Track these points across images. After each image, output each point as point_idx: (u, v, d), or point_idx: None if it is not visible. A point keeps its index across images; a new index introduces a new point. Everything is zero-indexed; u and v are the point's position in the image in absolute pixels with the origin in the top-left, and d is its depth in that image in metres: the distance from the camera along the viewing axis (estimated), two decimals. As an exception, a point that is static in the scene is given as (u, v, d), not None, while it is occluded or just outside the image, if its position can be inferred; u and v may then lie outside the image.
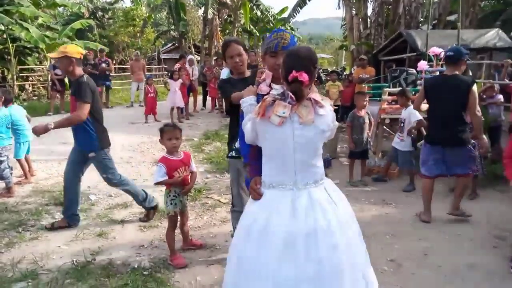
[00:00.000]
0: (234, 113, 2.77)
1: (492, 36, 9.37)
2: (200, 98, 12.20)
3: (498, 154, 5.27)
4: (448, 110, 3.74)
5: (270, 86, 2.21)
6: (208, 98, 11.91)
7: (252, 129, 1.96)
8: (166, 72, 20.77)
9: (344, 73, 14.66)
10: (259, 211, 1.90)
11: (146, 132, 8.36)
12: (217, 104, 11.35)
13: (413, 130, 5.06)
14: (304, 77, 1.77)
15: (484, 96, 5.85)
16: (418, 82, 6.50)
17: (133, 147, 7.00)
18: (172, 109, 9.53)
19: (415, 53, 9.17)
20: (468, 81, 3.70)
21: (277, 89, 1.89)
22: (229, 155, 2.91)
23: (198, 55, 21.39)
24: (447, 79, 3.77)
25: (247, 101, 2.19)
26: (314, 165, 1.91)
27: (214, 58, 12.64)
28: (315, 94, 1.88)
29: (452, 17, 14.39)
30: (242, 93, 2.26)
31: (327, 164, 5.46)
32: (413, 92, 6.10)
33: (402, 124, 5.13)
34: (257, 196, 1.96)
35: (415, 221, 4.03)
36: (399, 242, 3.54)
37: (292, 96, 1.80)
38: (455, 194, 4.09)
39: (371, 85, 8.05)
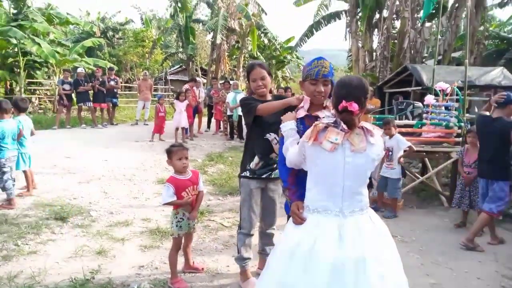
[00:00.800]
0: (256, 128, 2.75)
1: (497, 74, 9.50)
2: (205, 119, 12.25)
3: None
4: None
5: (307, 111, 2.27)
6: (213, 120, 11.98)
7: (299, 152, 1.96)
8: (173, 93, 21.03)
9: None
10: (303, 235, 1.87)
11: (150, 150, 8.34)
12: (221, 126, 11.38)
13: (401, 159, 5.14)
14: (354, 107, 1.78)
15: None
16: (424, 115, 6.54)
17: (136, 165, 6.96)
18: (177, 129, 9.55)
19: (420, 87, 9.26)
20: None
21: (329, 116, 1.91)
22: (242, 174, 2.87)
23: (204, 78, 21.66)
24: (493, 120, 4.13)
25: (288, 125, 2.20)
26: (361, 193, 1.91)
27: (221, 81, 12.76)
28: (366, 123, 1.90)
29: (456, 54, 14.66)
30: (283, 118, 2.28)
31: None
32: (420, 125, 6.13)
33: (390, 153, 5.18)
34: (300, 220, 1.94)
35: (422, 255, 3.94)
36: (407, 278, 3.44)
37: (345, 126, 1.82)
38: (474, 228, 4.16)
39: (376, 116, 8.08)
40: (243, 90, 13.08)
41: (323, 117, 1.91)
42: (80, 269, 3.18)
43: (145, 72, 14.17)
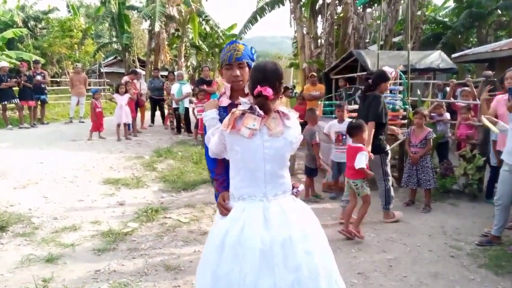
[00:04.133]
0: None
1: (435, 57, 10.24)
2: (148, 114, 12.01)
3: (447, 169, 5.78)
4: None
5: (230, 98, 2.32)
6: (157, 113, 11.85)
7: (219, 141, 2.03)
8: (108, 87, 20.23)
9: (295, 91, 15.19)
10: (230, 224, 1.95)
11: (90, 149, 8.04)
12: (169, 120, 11.20)
13: None
14: (268, 92, 1.89)
15: (433, 114, 6.38)
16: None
17: (78, 166, 6.70)
18: (118, 125, 9.27)
19: (366, 72, 9.76)
20: None
21: (246, 102, 1.98)
22: None
23: (143, 69, 21.04)
24: None
25: (210, 115, 2.26)
26: (283, 176, 2.01)
27: (166, 74, 12.57)
28: (282, 107, 2.00)
29: (396, 39, 15.58)
30: (205, 106, 2.33)
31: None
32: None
33: (343, 137, 5.43)
34: (226, 212, 2.02)
35: (378, 234, 4.26)
36: (364, 255, 3.73)
37: (261, 112, 1.91)
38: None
39: (326, 102, 8.44)
40: (188, 81, 12.95)
41: (241, 104, 1.99)
42: (30, 279, 3.07)
43: (77, 65, 13.52)
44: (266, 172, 1.94)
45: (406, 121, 6.11)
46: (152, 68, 16.40)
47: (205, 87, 9.26)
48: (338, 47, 14.02)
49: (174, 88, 10.15)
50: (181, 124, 10.59)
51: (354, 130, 4.24)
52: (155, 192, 5.64)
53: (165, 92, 11.14)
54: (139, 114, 10.99)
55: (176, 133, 10.49)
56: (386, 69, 6.60)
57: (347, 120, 5.41)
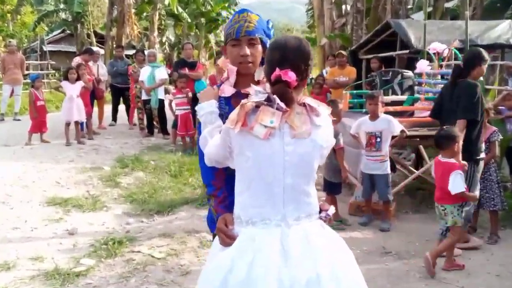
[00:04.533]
0: None
1: (504, 29, 10.27)
2: (108, 108, 12.05)
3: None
4: None
5: (235, 86, 2.33)
6: (120, 109, 11.88)
7: (222, 144, 2.02)
8: (54, 71, 20.33)
9: (311, 76, 15.23)
10: (236, 258, 1.92)
11: (29, 157, 8.06)
12: (136, 118, 11.22)
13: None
14: (291, 76, 1.88)
15: (501, 107, 6.38)
16: (417, 88, 6.96)
17: (11, 180, 6.71)
18: (68, 124, 9.30)
19: (408, 51, 9.80)
20: None
21: (260, 91, 1.98)
22: None
23: (101, 47, 21.14)
24: None
25: (205, 108, 2.26)
26: (308, 193, 2.01)
27: (133, 53, 12.60)
28: (309, 99, 2.00)
29: (449, 4, 15.64)
30: (199, 96, 2.34)
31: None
32: (411, 102, 6.53)
33: (378, 139, 5.43)
34: (228, 240, 2.00)
35: (425, 273, 4.26)
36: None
37: (282, 104, 1.89)
38: None
39: (354, 92, 8.46)
40: (163, 63, 13.00)
41: (254, 94, 1.98)
42: None
43: (10, 41, 13.58)
44: (286, 187, 1.93)
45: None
46: (114, 46, 16.45)
47: (186, 71, 9.31)
48: (369, 16, 14.10)
49: (144, 72, 10.19)
50: (154, 123, 10.62)
51: (444, 141, 4.24)
52: (119, 217, 5.64)
53: (131, 79, 11.18)
54: (96, 109, 11.01)
55: (147, 134, 10.53)
56: (435, 46, 6.65)
57: (383, 117, 5.42)
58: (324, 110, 2.01)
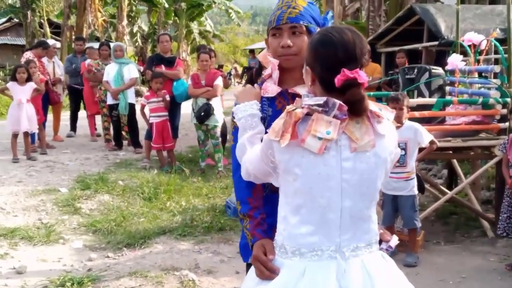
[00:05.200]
0: None
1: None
2: (66, 116, 12.05)
3: None
4: None
5: (279, 84, 2.37)
6: (81, 116, 11.87)
7: (264, 157, 2.03)
8: (-2, 70, 20.28)
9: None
10: None
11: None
12: (101, 127, 11.22)
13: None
14: (363, 76, 1.89)
15: None
16: (448, 89, 6.96)
17: None
18: (15, 135, 9.28)
19: (437, 42, 9.84)
20: None
21: (309, 95, 1.99)
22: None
23: (57, 40, 21.18)
24: None
25: (245, 110, 2.28)
26: (369, 218, 2.04)
27: (93, 46, 12.58)
28: (369, 102, 2.00)
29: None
30: (236, 95, 2.37)
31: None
32: (442, 105, 6.54)
33: (403, 152, 5.42)
34: (268, 273, 2.04)
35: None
36: None
37: (343, 106, 1.88)
38: None
39: (368, 93, 8.46)
40: (134, 59, 13.01)
41: (305, 97, 1.98)
42: None
43: None
44: (343, 212, 1.95)
45: (507, 124, 6.14)
46: (73, 38, 16.46)
47: (163, 68, 9.33)
48: (389, 1, 14.17)
49: (110, 70, 10.20)
50: (123, 133, 10.64)
51: None
52: (78, 251, 5.62)
53: (73, 77, 11.17)
54: (50, 117, 11.00)
55: (114, 148, 10.54)
56: (471, 36, 6.67)
57: (408, 125, 5.40)
58: (388, 115, 2.04)
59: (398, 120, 5.49)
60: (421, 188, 5.73)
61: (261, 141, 2.09)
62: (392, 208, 5.61)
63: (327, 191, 1.94)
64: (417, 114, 6.00)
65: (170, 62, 9.57)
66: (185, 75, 10.23)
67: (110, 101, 10.29)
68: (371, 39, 12.57)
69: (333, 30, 2.02)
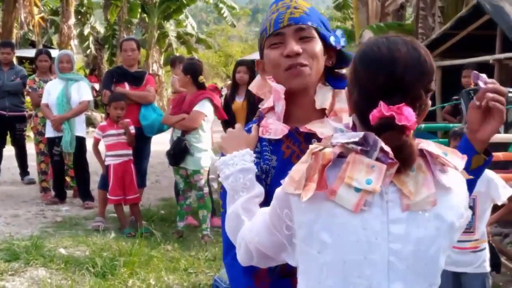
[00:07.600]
0: None
1: None
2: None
3: None
4: None
5: (286, 121, 2.35)
6: (7, 154, 11.96)
7: (278, 223, 1.99)
8: None
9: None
10: None
11: None
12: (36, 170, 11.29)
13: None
14: (408, 117, 1.80)
15: None
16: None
17: None
18: None
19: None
20: None
21: (344, 130, 2.00)
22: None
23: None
24: None
25: (234, 163, 2.26)
26: None
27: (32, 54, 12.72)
28: (427, 142, 1.95)
29: None
30: (221, 142, 2.38)
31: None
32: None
33: (470, 211, 5.42)
34: None
35: None
36: None
37: (385, 149, 1.80)
38: None
39: (425, 125, 8.51)
40: (85, 74, 13.09)
41: (330, 134, 1.98)
42: None
43: None
44: None
45: None
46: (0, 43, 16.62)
47: (126, 88, 9.38)
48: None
49: (52, 90, 10.27)
50: (67, 179, 10.64)
51: None
52: None
53: (28, 100, 11.25)
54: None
55: (53, 199, 10.60)
56: None
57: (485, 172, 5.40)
58: (456, 161, 1.95)
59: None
60: (495, 264, 5.69)
61: (259, 205, 2.10)
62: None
63: (368, 267, 1.89)
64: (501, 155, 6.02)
65: (137, 79, 9.60)
66: (156, 96, 10.25)
67: (50, 133, 10.33)
68: (422, 48, 12.71)
69: (383, 41, 1.96)
